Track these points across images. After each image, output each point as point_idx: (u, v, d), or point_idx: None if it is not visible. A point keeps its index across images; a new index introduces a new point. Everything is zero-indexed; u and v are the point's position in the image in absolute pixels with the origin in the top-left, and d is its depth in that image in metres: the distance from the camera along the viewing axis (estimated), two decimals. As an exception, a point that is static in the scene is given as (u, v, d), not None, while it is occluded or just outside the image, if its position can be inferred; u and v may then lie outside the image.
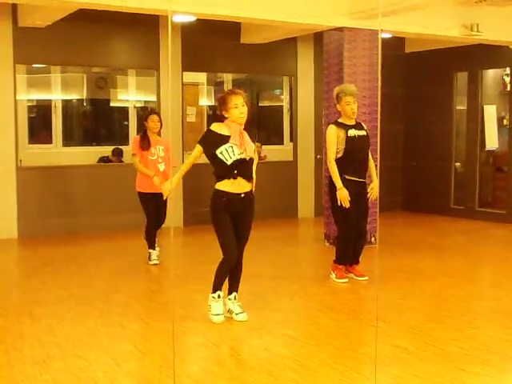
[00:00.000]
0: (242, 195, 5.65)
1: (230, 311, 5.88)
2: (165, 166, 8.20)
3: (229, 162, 5.52)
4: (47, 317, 5.94)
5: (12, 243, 9.68)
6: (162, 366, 4.68)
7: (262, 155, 12.61)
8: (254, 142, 5.77)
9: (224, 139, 5.54)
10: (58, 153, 11.80)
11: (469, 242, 9.98)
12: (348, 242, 7.22)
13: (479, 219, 11.53)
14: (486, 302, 6.74)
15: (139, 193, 8.24)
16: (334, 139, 7.03)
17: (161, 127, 8.31)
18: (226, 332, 5.61)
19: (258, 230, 9.55)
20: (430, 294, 6.78)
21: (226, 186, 5.60)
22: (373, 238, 9.24)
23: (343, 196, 6.90)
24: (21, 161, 10.21)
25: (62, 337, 5.34)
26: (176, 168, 7.23)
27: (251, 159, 5.69)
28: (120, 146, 11.66)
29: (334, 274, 7.34)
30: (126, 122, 12.63)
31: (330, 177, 7.11)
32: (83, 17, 9.07)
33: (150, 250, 8.29)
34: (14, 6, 9.55)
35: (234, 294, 5.90)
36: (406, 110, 12.78)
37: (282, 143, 13.35)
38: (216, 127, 5.63)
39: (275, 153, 12.82)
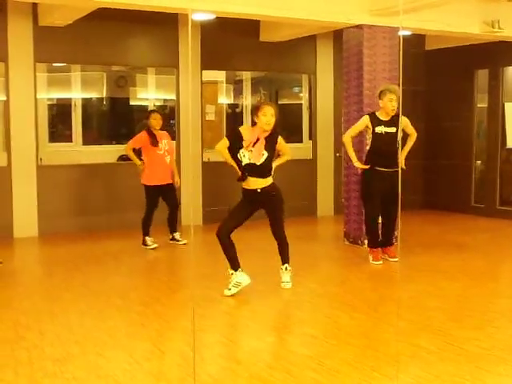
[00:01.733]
0: (259, 190, 6.52)
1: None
2: (170, 158, 9.06)
3: (243, 163, 6.47)
4: (67, 314, 5.97)
5: (33, 241, 9.74)
6: (182, 365, 4.68)
7: (280, 153, 12.59)
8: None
9: (240, 142, 6.45)
10: (77, 151, 11.87)
11: (489, 240, 9.90)
12: (372, 223, 8.01)
13: (500, 217, 11.45)
14: (507, 300, 6.68)
15: (145, 186, 8.92)
16: (361, 127, 8.00)
17: (161, 123, 9.07)
18: (246, 330, 5.61)
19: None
20: (451, 292, 6.73)
21: (244, 182, 6.55)
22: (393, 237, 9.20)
23: (359, 167, 8.05)
24: (41, 159, 10.26)
25: (81, 334, 5.36)
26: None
27: (264, 163, 6.50)
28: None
29: (370, 257, 8.04)
30: (145, 121, 12.65)
31: (362, 171, 8.08)
32: (103, 16, 9.09)
33: (145, 237, 8.95)
34: (35, 5, 9.61)
35: (286, 265, 6.77)
36: (426, 108, 12.70)
37: (302, 141, 13.31)
38: (242, 129, 6.60)
39: (294, 151, 12.63)
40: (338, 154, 11.84)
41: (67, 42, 9.96)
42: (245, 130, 6.60)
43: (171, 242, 9.19)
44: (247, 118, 13.14)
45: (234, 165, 6.52)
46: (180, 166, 10.40)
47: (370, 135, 7.93)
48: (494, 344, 5.08)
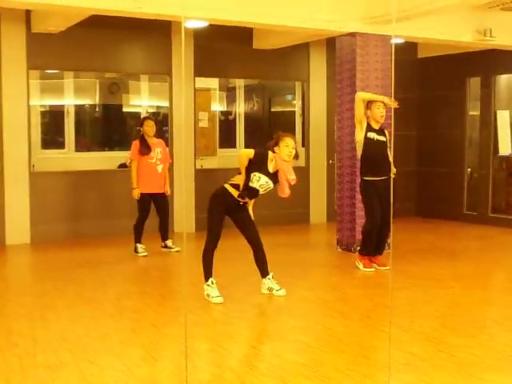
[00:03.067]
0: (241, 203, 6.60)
1: (270, 289, 6.70)
2: (162, 167, 9.02)
3: (251, 185, 6.46)
4: (60, 321, 5.95)
5: (25, 248, 9.71)
6: (174, 372, 4.67)
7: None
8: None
9: (265, 169, 6.47)
10: (70, 158, 11.85)
11: (482, 248, 9.92)
12: (371, 234, 7.91)
13: (492, 225, 11.47)
14: (499, 308, 6.70)
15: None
16: (360, 105, 7.91)
17: (156, 130, 9.08)
18: (238, 337, 5.60)
19: (269, 235, 9.53)
20: (443, 300, 6.75)
21: (234, 192, 6.53)
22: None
23: None
24: (34, 166, 10.24)
25: (74, 342, 5.35)
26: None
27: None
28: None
29: (361, 264, 8.03)
30: (138, 128, 12.66)
31: (360, 181, 8.08)
32: (96, 23, 9.10)
33: (137, 244, 8.96)
34: (28, 12, 9.61)
35: (271, 273, 6.74)
36: (418, 116, 12.74)
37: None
38: (270, 155, 6.54)
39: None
40: (330, 162, 11.85)
41: (60, 49, 9.96)
42: (271, 156, 6.55)
43: (164, 249, 9.18)
44: (240, 126, 13.16)
45: (243, 176, 6.48)
46: (173, 173, 10.40)
47: (360, 143, 7.91)
48: (486, 351, 5.09)
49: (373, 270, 7.94)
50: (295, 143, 6.62)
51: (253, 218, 6.74)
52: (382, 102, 7.83)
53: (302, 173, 12.10)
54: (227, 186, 6.59)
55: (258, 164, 6.45)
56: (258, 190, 6.53)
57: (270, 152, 6.57)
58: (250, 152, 6.51)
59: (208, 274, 6.57)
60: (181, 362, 4.71)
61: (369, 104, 7.90)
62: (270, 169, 6.52)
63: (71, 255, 9.14)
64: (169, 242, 9.20)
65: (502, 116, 11.87)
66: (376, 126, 7.91)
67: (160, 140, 9.23)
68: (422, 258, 8.62)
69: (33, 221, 9.99)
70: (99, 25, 9.51)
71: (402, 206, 12.23)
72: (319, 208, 12.25)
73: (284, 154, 6.50)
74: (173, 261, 8.86)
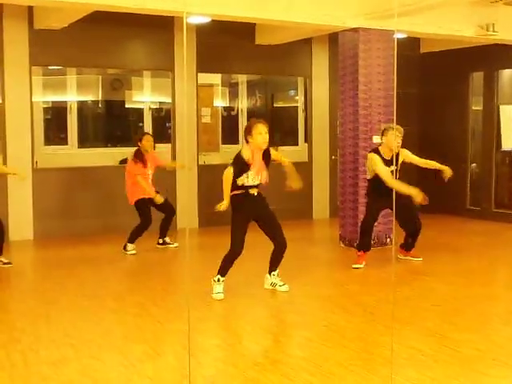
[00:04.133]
0: (255, 194, 6.62)
1: (273, 284, 6.79)
2: (152, 177, 9.10)
3: (246, 184, 6.48)
4: (62, 318, 5.96)
5: (28, 244, 9.72)
6: (177, 368, 4.68)
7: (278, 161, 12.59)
8: (271, 146, 6.74)
9: (247, 166, 6.43)
10: (73, 154, 11.86)
11: (484, 243, 9.91)
12: (366, 231, 7.97)
13: (495, 220, 11.46)
14: (502, 303, 6.70)
15: (137, 201, 8.94)
16: (380, 163, 7.80)
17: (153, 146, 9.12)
18: (241, 333, 5.61)
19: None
20: (446, 295, 6.75)
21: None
22: (388, 239, 9.22)
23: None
24: (36, 162, 10.25)
25: (77, 338, 5.36)
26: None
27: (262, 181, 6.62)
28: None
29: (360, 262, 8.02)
30: (141, 124, 12.67)
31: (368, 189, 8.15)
32: (98, 19, 9.09)
33: (129, 243, 8.90)
34: (30, 9, 9.61)
35: (277, 270, 6.82)
36: (421, 111, 12.72)
37: (297, 144, 13.32)
38: (246, 154, 6.47)
39: (290, 154, 12.72)
40: (333, 157, 11.84)
41: (63, 45, 9.95)
42: (245, 152, 6.51)
43: (160, 246, 9.17)
44: (243, 121, 13.15)
45: (227, 196, 6.47)
46: (176, 169, 10.40)
47: (374, 173, 7.85)
48: (488, 346, 5.09)
49: (362, 266, 7.92)
50: (267, 127, 6.53)
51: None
52: (399, 132, 7.77)
53: (305, 168, 12.11)
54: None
55: (241, 169, 6.45)
56: (253, 184, 6.55)
57: (242, 148, 6.63)
58: (230, 170, 6.45)
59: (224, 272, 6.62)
60: (184, 357, 4.72)
61: (385, 132, 7.89)
62: (250, 160, 6.47)
63: (74, 251, 9.15)
64: (167, 239, 9.21)
65: (505, 111, 11.85)
66: (388, 156, 7.82)
67: (155, 156, 9.24)
68: (425, 253, 8.61)
69: (36, 217, 10.01)
70: (102, 21, 9.50)
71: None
72: (322, 203, 12.24)
73: (259, 142, 6.43)
74: (175, 256, 8.87)
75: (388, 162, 7.82)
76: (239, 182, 6.46)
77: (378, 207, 7.99)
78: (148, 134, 9.39)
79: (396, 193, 7.55)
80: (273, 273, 6.84)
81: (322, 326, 5.78)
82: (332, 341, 5.31)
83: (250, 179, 6.49)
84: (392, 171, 7.80)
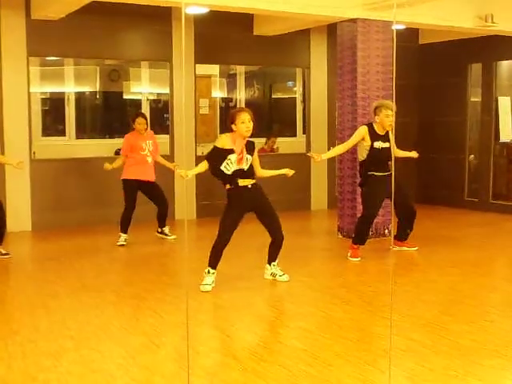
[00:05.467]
0: (249, 186, 6.55)
1: (273, 274, 6.83)
2: (152, 159, 8.99)
3: (231, 171, 6.41)
4: (61, 309, 5.96)
5: (26, 236, 9.73)
6: (176, 359, 4.69)
7: (274, 147, 12.61)
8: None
9: (227, 153, 6.40)
10: (71, 145, 11.85)
11: (482, 234, 9.92)
12: (367, 222, 7.90)
13: (493, 211, 11.48)
14: (500, 294, 6.71)
15: (124, 180, 8.94)
16: (358, 139, 7.90)
17: (147, 127, 9.06)
18: (239, 324, 5.61)
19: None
20: (444, 286, 6.76)
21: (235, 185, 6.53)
22: (386, 231, 9.22)
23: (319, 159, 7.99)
24: (34, 153, 10.24)
25: (75, 329, 5.36)
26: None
27: (250, 167, 6.54)
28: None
29: (349, 253, 7.95)
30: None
31: (362, 173, 7.98)
32: (96, 9, 9.07)
33: (121, 233, 8.86)
34: (28, -1, 9.58)
35: (277, 260, 6.85)
36: (419, 102, 12.71)
37: (295, 135, 13.33)
38: (222, 142, 6.49)
39: (288, 145, 12.80)
40: (331, 148, 11.82)
41: (60, 36, 9.92)
42: (224, 140, 6.51)
43: (159, 235, 9.21)
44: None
45: (193, 171, 6.61)
46: (174, 160, 10.39)
47: (366, 149, 7.83)
48: (487, 337, 5.10)
49: (359, 259, 7.86)
50: (251, 116, 6.44)
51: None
52: (391, 110, 7.70)
53: (303, 159, 12.10)
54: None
55: (218, 160, 6.45)
56: (242, 169, 6.48)
57: (220, 139, 6.64)
58: (204, 164, 6.62)
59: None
60: (183, 348, 4.73)
61: (377, 111, 7.83)
62: (227, 146, 6.43)
63: (72, 242, 9.15)
64: (166, 229, 9.21)
65: (503, 102, 11.85)
66: (382, 132, 7.83)
67: (151, 132, 9.18)
68: (423, 244, 8.62)
69: (34, 208, 10.00)
70: (99, 11, 9.48)
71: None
72: (320, 194, 12.25)
73: (242, 130, 6.39)
74: (173, 248, 8.87)
75: (383, 138, 7.83)
76: (225, 170, 6.41)
77: (380, 198, 7.92)
78: (141, 114, 9.21)
79: (390, 177, 7.63)
80: (273, 263, 6.85)
81: (320, 316, 5.79)
82: (330, 332, 5.32)
83: (233, 164, 6.39)
84: (388, 148, 7.79)
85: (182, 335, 5.09)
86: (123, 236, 8.86)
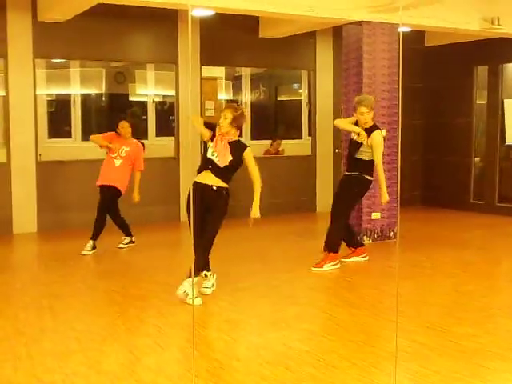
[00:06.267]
0: (214, 188, 6.24)
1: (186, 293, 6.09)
2: (120, 164, 8.61)
3: (206, 155, 6.24)
4: (67, 310, 5.98)
5: (32, 237, 9.74)
6: (181, 361, 4.70)
7: (280, 150, 12.61)
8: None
9: (207, 139, 6.26)
10: (77, 147, 11.86)
11: (488, 237, 9.91)
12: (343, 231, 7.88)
13: (499, 214, 11.45)
14: (505, 297, 6.70)
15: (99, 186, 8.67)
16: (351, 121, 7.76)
17: (132, 132, 8.71)
18: (245, 326, 5.62)
19: (275, 223, 9.56)
20: (449, 289, 6.75)
21: (199, 175, 6.28)
22: (392, 233, 9.21)
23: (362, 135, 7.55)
24: (40, 155, 10.25)
25: (81, 330, 5.37)
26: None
27: (227, 167, 6.19)
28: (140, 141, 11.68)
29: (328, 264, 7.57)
30: (144, 117, 12.67)
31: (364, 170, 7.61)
32: (102, 11, 9.09)
33: (90, 240, 8.50)
34: (34, 1, 9.59)
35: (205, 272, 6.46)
36: (425, 105, 12.70)
37: (301, 137, 13.32)
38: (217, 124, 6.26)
39: (293, 147, 12.80)
40: (336, 151, 11.84)
41: (66, 38, 9.94)
42: (218, 125, 6.28)
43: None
44: (247, 114, 13.14)
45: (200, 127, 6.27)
46: (179, 162, 10.41)
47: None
48: (492, 340, 5.09)
49: (334, 263, 7.60)
50: (232, 113, 6.15)
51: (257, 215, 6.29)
52: (366, 107, 7.42)
53: (309, 161, 12.12)
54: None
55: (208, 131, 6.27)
56: (216, 164, 6.17)
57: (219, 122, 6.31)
58: (199, 119, 6.70)
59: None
60: (188, 350, 4.74)
61: (355, 106, 7.57)
62: (206, 137, 6.26)
63: (77, 244, 9.13)
64: (126, 240, 8.91)
65: (510, 105, 11.82)
66: (364, 126, 7.52)
67: (136, 143, 8.81)
68: (428, 247, 8.62)
69: (39, 210, 10.02)
70: (105, 14, 9.50)
71: (408, 195, 12.24)
72: (325, 197, 12.21)
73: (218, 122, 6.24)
74: (178, 249, 8.88)
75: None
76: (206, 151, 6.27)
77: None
78: (125, 119, 8.86)
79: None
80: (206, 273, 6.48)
81: (324, 318, 5.79)
82: (335, 334, 5.32)
83: (209, 152, 6.21)
84: (358, 144, 7.49)
85: (186, 337, 5.10)
86: (90, 244, 8.46)
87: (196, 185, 6.20)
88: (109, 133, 8.80)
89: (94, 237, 8.49)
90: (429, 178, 12.84)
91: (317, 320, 5.80)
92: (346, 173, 7.78)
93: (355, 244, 8.01)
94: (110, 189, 8.61)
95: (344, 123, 7.96)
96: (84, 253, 8.35)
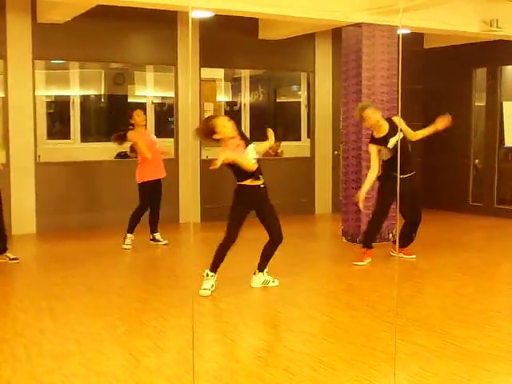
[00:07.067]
0: (262, 185, 6.55)
1: (265, 282, 6.71)
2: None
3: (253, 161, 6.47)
4: (66, 312, 5.97)
5: (31, 238, 9.73)
6: (181, 362, 4.69)
7: (279, 151, 12.61)
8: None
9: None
10: (76, 148, 11.87)
11: (487, 239, 9.92)
12: (379, 225, 8.03)
13: (498, 216, 11.46)
14: (505, 299, 6.70)
15: (144, 183, 8.77)
16: (376, 153, 7.78)
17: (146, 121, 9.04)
18: (244, 328, 5.61)
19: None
20: (449, 291, 6.75)
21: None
22: (391, 235, 9.21)
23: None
24: (39, 156, 10.25)
25: (80, 332, 5.37)
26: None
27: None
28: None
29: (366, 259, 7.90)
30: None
31: (383, 175, 7.79)
32: (101, 13, 9.09)
33: (128, 234, 8.77)
34: (33, 2, 9.60)
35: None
36: (424, 107, 12.70)
37: (300, 139, 13.33)
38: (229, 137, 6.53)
39: (292, 149, 12.81)
40: (336, 152, 11.86)
41: (66, 40, 9.95)
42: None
43: (151, 242, 9.09)
44: (246, 116, 13.15)
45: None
46: (178, 164, 10.41)
47: (388, 151, 7.69)
48: (491, 342, 5.09)
49: (365, 263, 7.82)
50: (227, 121, 6.51)
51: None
52: (358, 116, 7.78)
53: (308, 163, 12.12)
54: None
55: None
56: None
57: None
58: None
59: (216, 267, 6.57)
60: (187, 352, 4.73)
61: (361, 116, 7.76)
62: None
63: (76, 245, 9.16)
64: (157, 235, 9.07)
65: (508, 107, 11.83)
66: (384, 131, 7.69)
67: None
68: (427, 249, 8.62)
69: (38, 211, 10.02)
70: (105, 15, 9.50)
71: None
72: (324, 198, 12.25)
73: None
74: (178, 251, 8.87)
75: (388, 136, 7.65)
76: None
77: (390, 202, 7.90)
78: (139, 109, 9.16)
79: (404, 180, 7.58)
80: (267, 270, 6.78)
81: (324, 321, 5.79)
82: (335, 336, 5.32)
83: (252, 158, 6.45)
84: (397, 142, 7.57)
85: (186, 338, 5.09)
86: (128, 237, 8.79)
87: (259, 188, 6.52)
88: (131, 135, 8.86)
89: (155, 229, 8.96)
90: (428, 179, 12.83)
91: (316, 322, 5.79)
92: (402, 175, 7.66)
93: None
94: (160, 182, 8.91)
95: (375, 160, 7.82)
96: (126, 247, 8.72)
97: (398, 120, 7.84)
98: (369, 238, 8.04)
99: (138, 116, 8.84)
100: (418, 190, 8.10)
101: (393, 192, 7.34)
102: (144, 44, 10.85)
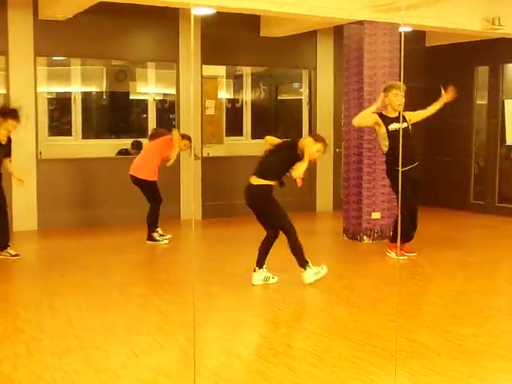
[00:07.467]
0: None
1: (266, 278, 6.77)
2: None
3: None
4: (66, 308, 5.98)
5: (32, 235, 9.74)
6: (181, 359, 4.70)
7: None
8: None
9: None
10: (77, 145, 11.86)
11: (488, 237, 9.91)
12: (404, 221, 7.87)
13: (499, 214, 11.46)
14: (505, 297, 6.70)
15: (155, 182, 8.96)
16: (369, 117, 7.83)
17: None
18: (245, 325, 5.62)
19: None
20: (449, 289, 6.76)
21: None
22: (391, 233, 9.20)
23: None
24: (41, 153, 10.26)
25: (81, 328, 5.38)
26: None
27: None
28: (139, 139, 11.67)
29: (392, 253, 8.03)
30: (145, 115, 12.66)
31: (387, 169, 7.95)
32: (103, 10, 9.08)
33: (157, 230, 8.99)
34: (35, -1, 9.61)
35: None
36: (426, 105, 12.63)
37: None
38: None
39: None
40: (337, 150, 11.84)
41: (67, 36, 9.95)
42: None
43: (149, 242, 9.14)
44: (247, 113, 13.13)
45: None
46: (180, 161, 10.40)
47: (384, 136, 7.79)
48: (491, 340, 5.10)
49: (406, 257, 7.96)
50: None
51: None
52: (399, 90, 7.73)
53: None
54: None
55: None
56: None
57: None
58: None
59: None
60: (188, 349, 4.74)
61: (386, 91, 7.84)
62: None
63: (78, 242, 9.17)
64: (155, 234, 9.11)
65: (510, 105, 11.82)
66: (394, 114, 7.82)
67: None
68: (429, 247, 8.62)
69: (40, 208, 10.02)
70: (106, 12, 9.50)
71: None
72: (325, 196, 12.25)
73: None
74: (179, 248, 8.88)
75: (397, 120, 7.77)
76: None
77: (407, 188, 7.76)
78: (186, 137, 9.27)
79: (408, 172, 7.62)
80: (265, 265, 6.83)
81: (325, 318, 5.79)
82: (335, 333, 5.32)
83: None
84: (406, 129, 7.85)
85: (187, 335, 5.10)
86: (160, 230, 9.03)
87: None
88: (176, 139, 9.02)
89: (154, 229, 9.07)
90: (429, 178, 12.82)
91: (317, 319, 5.80)
92: (407, 167, 7.73)
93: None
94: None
95: (365, 118, 7.94)
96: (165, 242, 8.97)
97: (412, 114, 8.15)
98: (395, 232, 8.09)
99: (185, 145, 9.11)
100: (420, 181, 8.17)
101: (403, 182, 7.60)
102: (146, 41, 10.85)
